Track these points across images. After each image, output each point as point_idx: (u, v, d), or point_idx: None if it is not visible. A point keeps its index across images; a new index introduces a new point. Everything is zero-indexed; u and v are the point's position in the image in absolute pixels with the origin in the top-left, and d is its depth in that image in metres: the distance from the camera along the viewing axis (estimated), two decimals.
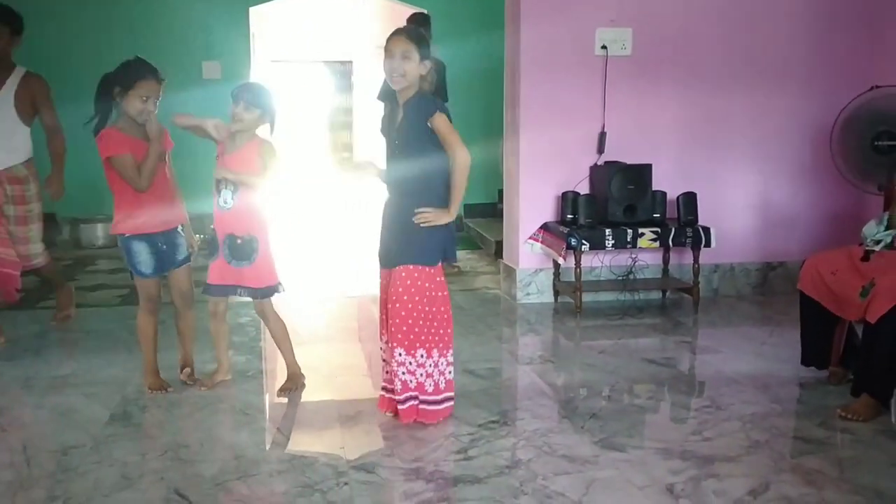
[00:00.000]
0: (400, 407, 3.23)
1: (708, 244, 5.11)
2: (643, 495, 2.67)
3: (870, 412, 3.29)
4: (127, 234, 3.56)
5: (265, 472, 2.87)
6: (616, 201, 5.06)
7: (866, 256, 3.51)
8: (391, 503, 2.69)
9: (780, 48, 5.46)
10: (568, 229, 5.02)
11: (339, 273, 6.55)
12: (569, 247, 4.97)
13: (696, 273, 5.19)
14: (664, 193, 5.17)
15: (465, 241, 7.91)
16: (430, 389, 3.23)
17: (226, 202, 3.50)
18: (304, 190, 10.87)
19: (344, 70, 12.43)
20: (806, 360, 3.80)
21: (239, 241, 3.51)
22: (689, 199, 5.14)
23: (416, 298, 3.18)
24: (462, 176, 3.19)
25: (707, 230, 5.10)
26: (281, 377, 3.77)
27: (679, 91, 5.40)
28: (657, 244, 5.09)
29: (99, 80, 3.48)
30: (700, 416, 3.40)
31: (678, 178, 5.33)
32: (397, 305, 3.17)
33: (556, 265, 5.31)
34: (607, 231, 5.00)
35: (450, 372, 3.29)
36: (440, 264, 3.29)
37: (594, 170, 5.29)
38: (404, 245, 3.21)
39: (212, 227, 3.58)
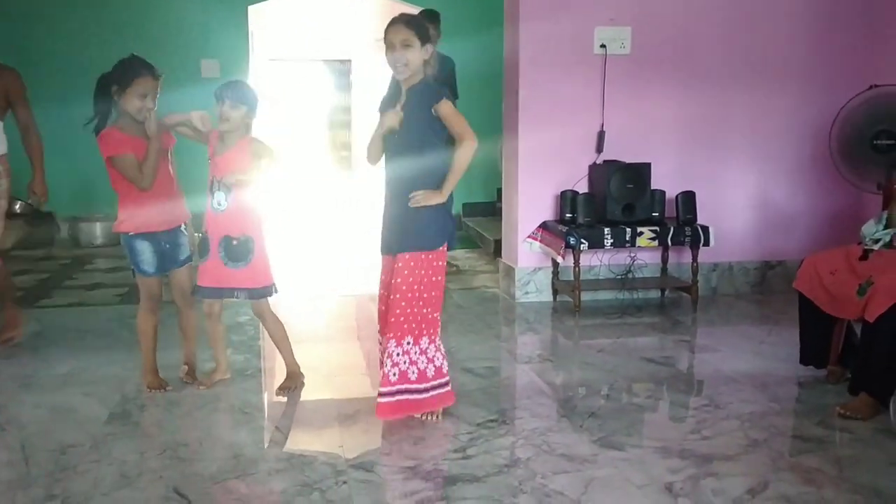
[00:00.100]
0: (381, 400, 3.17)
1: (707, 243, 5.12)
2: (642, 494, 2.67)
3: (869, 410, 3.29)
4: (130, 233, 3.55)
5: (264, 470, 2.87)
6: (615, 200, 5.06)
7: (865, 255, 3.51)
8: (390, 502, 2.69)
9: (779, 47, 5.47)
10: (567, 228, 5.02)
11: (338, 272, 6.55)
12: (567, 246, 4.97)
13: (694, 272, 5.19)
14: (663, 192, 5.17)
15: (464, 240, 7.91)
16: (414, 377, 3.18)
17: (219, 204, 3.49)
18: (302, 189, 10.88)
19: (343, 69, 12.43)
20: (804, 359, 3.80)
21: (235, 242, 3.50)
22: (688, 198, 5.14)
23: (415, 287, 3.17)
24: (465, 157, 3.16)
25: (706, 229, 5.10)
26: (280, 376, 3.77)
27: (678, 90, 5.40)
28: (656, 243, 5.09)
29: (96, 81, 3.48)
30: (699, 415, 3.40)
31: (677, 177, 5.34)
32: (397, 296, 3.16)
33: (555, 264, 5.31)
34: (606, 230, 5.00)
35: (438, 359, 3.24)
36: (442, 249, 3.25)
37: (593, 169, 5.29)
38: (404, 231, 3.20)
39: (203, 228, 3.57)
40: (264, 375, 3.96)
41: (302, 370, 3.74)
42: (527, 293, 5.41)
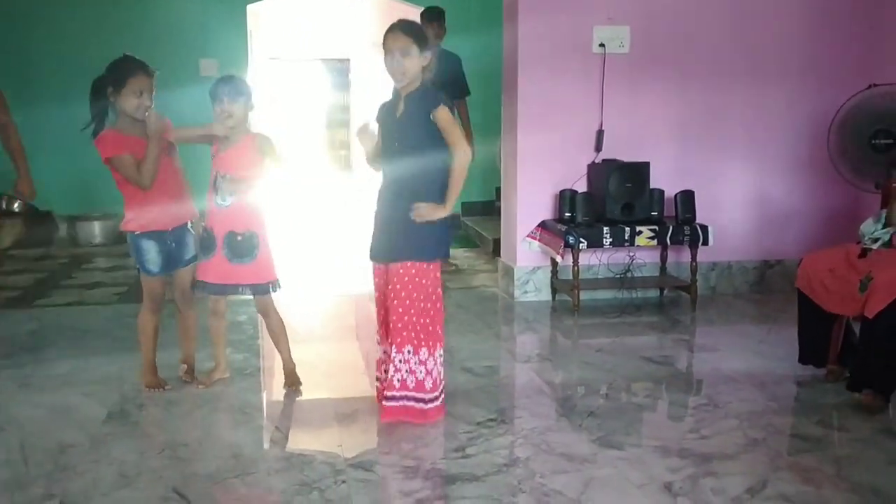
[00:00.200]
0: (387, 403, 3.20)
1: (706, 242, 5.11)
2: (641, 493, 2.67)
3: (880, 404, 3.32)
4: (137, 232, 3.55)
5: (263, 470, 2.87)
6: (614, 199, 5.06)
7: (864, 254, 3.51)
8: (389, 501, 2.69)
9: (778, 46, 5.47)
10: (566, 227, 5.02)
11: (337, 271, 6.55)
12: (566, 245, 4.97)
13: (693, 271, 5.19)
14: (662, 191, 5.17)
15: (463, 240, 7.91)
16: (412, 386, 3.20)
17: (224, 200, 3.49)
18: (300, 187, 10.88)
19: (341, 68, 12.44)
20: (803, 358, 3.80)
21: (239, 237, 3.50)
22: (687, 197, 5.14)
23: (415, 295, 3.17)
24: (461, 172, 3.18)
25: (705, 228, 5.10)
26: (279, 375, 3.77)
27: (677, 89, 5.40)
28: (655, 242, 5.09)
29: (91, 84, 3.46)
30: (698, 415, 3.40)
31: (676, 176, 5.33)
32: (395, 302, 3.17)
33: (554, 263, 5.31)
34: (605, 229, 5.00)
35: (435, 372, 3.25)
36: (438, 261, 3.28)
37: (592, 168, 5.29)
38: (403, 241, 3.19)
39: (204, 224, 3.56)
40: (263, 375, 3.96)
41: (301, 369, 3.74)
42: (526, 292, 5.41)
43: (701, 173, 5.43)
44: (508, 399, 3.72)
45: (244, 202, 3.51)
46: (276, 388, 3.73)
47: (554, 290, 5.39)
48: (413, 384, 3.20)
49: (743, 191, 5.56)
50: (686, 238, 5.10)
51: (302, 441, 3.23)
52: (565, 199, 5.16)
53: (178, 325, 3.82)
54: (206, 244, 3.56)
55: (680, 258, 5.45)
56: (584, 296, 5.17)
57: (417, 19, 7.15)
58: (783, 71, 5.48)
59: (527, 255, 5.40)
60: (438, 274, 3.27)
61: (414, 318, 3.18)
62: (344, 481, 2.75)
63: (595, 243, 5.01)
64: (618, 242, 5.04)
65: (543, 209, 5.37)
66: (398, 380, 3.18)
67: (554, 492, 2.67)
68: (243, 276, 3.55)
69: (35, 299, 5.55)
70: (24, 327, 4.78)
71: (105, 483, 2.74)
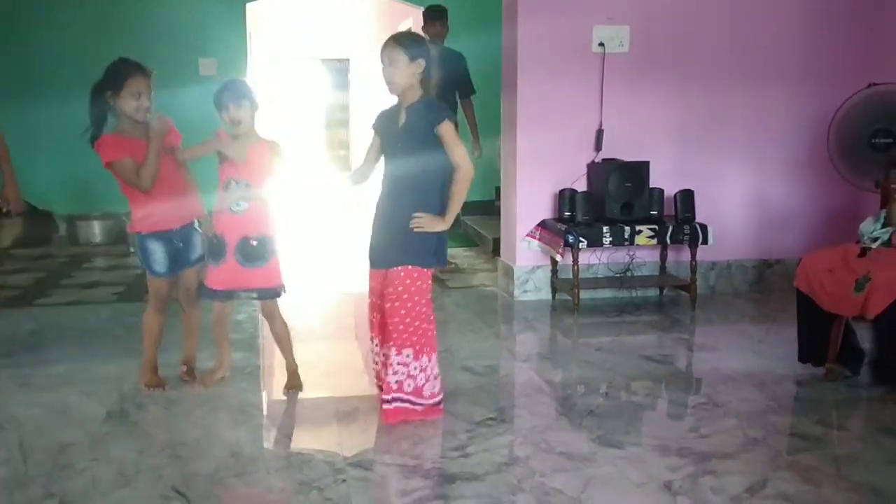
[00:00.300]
0: (386, 406, 3.21)
1: (705, 241, 5.11)
2: (641, 492, 2.67)
3: None
4: (144, 233, 3.54)
5: (263, 469, 2.87)
6: (613, 198, 5.06)
7: (863, 254, 3.51)
8: (388, 500, 2.69)
9: (777, 45, 5.46)
10: (565, 227, 5.02)
11: (336, 270, 6.55)
12: (566, 244, 4.97)
13: (693, 270, 5.19)
14: (661, 191, 5.16)
15: (463, 239, 7.91)
16: (410, 390, 3.22)
17: (238, 205, 3.47)
18: (300, 187, 10.87)
19: (341, 67, 12.44)
20: (803, 357, 3.80)
21: (254, 242, 3.48)
22: (687, 197, 5.14)
23: (416, 298, 3.19)
24: (463, 187, 3.21)
25: (704, 227, 5.10)
26: (279, 374, 3.77)
27: (676, 88, 5.40)
28: (654, 241, 5.09)
29: (90, 90, 3.45)
30: (697, 413, 3.40)
31: (676, 176, 5.33)
32: (397, 304, 3.17)
33: (554, 262, 5.31)
34: (605, 228, 5.00)
35: (434, 377, 3.28)
36: (432, 269, 3.31)
37: (592, 167, 5.28)
38: (403, 246, 3.20)
39: (214, 231, 3.53)
40: (263, 374, 3.96)
41: (301, 369, 3.74)
42: (525, 291, 5.41)
43: (700, 172, 5.43)
44: (508, 398, 3.72)
45: (258, 207, 3.50)
46: (275, 388, 3.73)
47: (554, 290, 5.39)
48: (411, 388, 3.21)
49: (742, 190, 5.56)
50: (686, 237, 5.10)
51: (301, 440, 3.23)
52: (565, 198, 5.16)
53: (181, 324, 3.82)
54: (216, 250, 3.51)
55: (679, 257, 5.45)
56: (584, 295, 5.17)
57: (418, 18, 7.16)
58: (783, 70, 5.48)
59: (526, 255, 5.40)
60: (430, 281, 3.28)
61: (416, 322, 3.19)
62: (344, 480, 2.75)
63: (595, 242, 5.01)
64: (617, 242, 5.04)
65: (543, 208, 5.37)
66: (396, 381, 3.19)
67: (554, 490, 2.67)
68: (253, 280, 3.54)
69: (34, 299, 5.54)
70: (24, 327, 4.78)
71: (104, 482, 2.74)
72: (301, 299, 5.49)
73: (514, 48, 5.28)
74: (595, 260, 5.36)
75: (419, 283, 3.20)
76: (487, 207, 8.31)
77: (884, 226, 3.60)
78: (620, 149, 5.27)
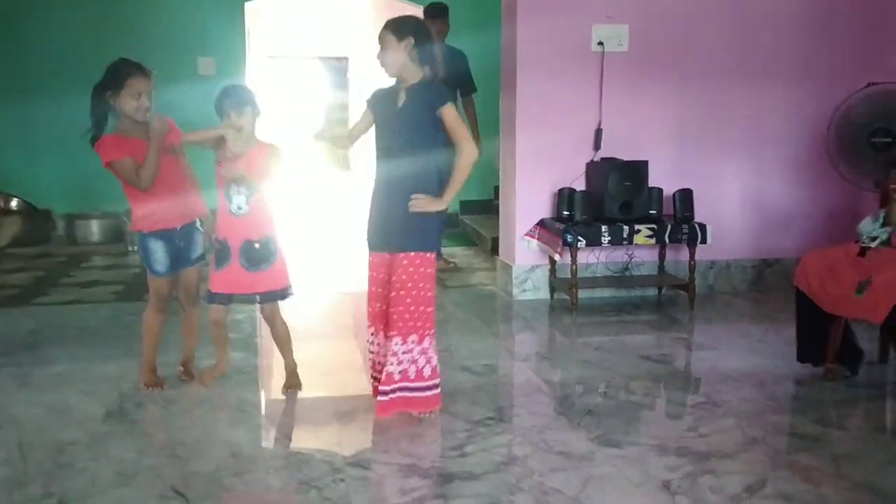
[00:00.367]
0: (382, 399, 3.19)
1: (704, 241, 5.11)
2: (640, 492, 2.67)
3: None
4: (145, 232, 3.54)
5: (262, 468, 2.87)
6: (612, 198, 5.06)
7: (862, 253, 3.52)
8: (387, 500, 2.69)
9: (777, 45, 5.46)
10: (564, 226, 5.02)
11: (335, 269, 6.54)
12: (565, 243, 4.97)
13: (692, 270, 5.19)
14: (660, 190, 5.16)
15: (461, 238, 7.91)
16: (413, 375, 3.21)
17: (240, 208, 3.44)
18: (299, 186, 10.87)
19: (340, 66, 12.43)
20: (801, 357, 3.80)
21: (257, 245, 3.47)
22: (686, 196, 5.14)
23: (420, 285, 3.19)
24: (465, 169, 3.21)
25: (703, 227, 5.10)
26: (277, 373, 3.76)
27: (675, 88, 5.40)
28: (653, 241, 5.09)
29: (91, 91, 3.44)
30: (696, 413, 3.40)
31: (674, 175, 5.33)
32: (402, 293, 3.17)
33: (553, 262, 5.31)
34: (603, 227, 4.99)
35: (434, 359, 3.26)
36: (435, 252, 3.30)
37: (590, 166, 5.29)
38: (404, 231, 3.20)
39: (216, 235, 3.51)
40: (262, 373, 3.96)
41: (299, 368, 3.73)
42: (524, 291, 5.41)
43: (699, 172, 5.43)
44: (507, 397, 3.72)
45: (259, 209, 3.48)
46: (274, 387, 3.73)
47: (552, 289, 5.39)
48: (414, 374, 3.21)
49: (741, 189, 5.56)
50: (684, 237, 5.10)
51: (300, 439, 3.23)
52: (564, 197, 5.16)
53: (181, 322, 3.82)
54: (221, 255, 3.49)
55: (678, 257, 5.45)
56: (583, 294, 5.17)
57: (419, 16, 7.15)
58: (782, 69, 5.48)
59: (525, 254, 5.40)
60: (435, 267, 3.28)
61: (421, 308, 3.19)
62: (342, 480, 2.75)
63: (593, 242, 5.01)
64: (616, 241, 5.04)
65: (542, 208, 5.37)
66: (400, 371, 3.19)
67: (552, 490, 2.67)
68: (258, 284, 3.52)
69: (33, 298, 5.54)
70: (23, 326, 4.78)
71: (104, 481, 2.74)
72: (300, 299, 5.48)
73: (514, 47, 5.28)
74: (594, 259, 5.36)
75: (422, 269, 3.20)
76: (486, 206, 8.32)
77: (883, 225, 3.60)
78: (619, 148, 5.27)
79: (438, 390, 3.29)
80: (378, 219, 3.30)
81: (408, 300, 3.17)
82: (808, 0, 5.47)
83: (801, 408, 3.51)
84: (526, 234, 5.38)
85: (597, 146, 5.32)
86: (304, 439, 3.23)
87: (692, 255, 5.18)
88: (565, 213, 5.13)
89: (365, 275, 3.39)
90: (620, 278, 5.35)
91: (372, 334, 3.37)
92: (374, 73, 3.38)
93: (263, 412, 3.51)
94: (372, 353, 3.40)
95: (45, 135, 8.00)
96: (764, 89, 5.47)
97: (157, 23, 8.29)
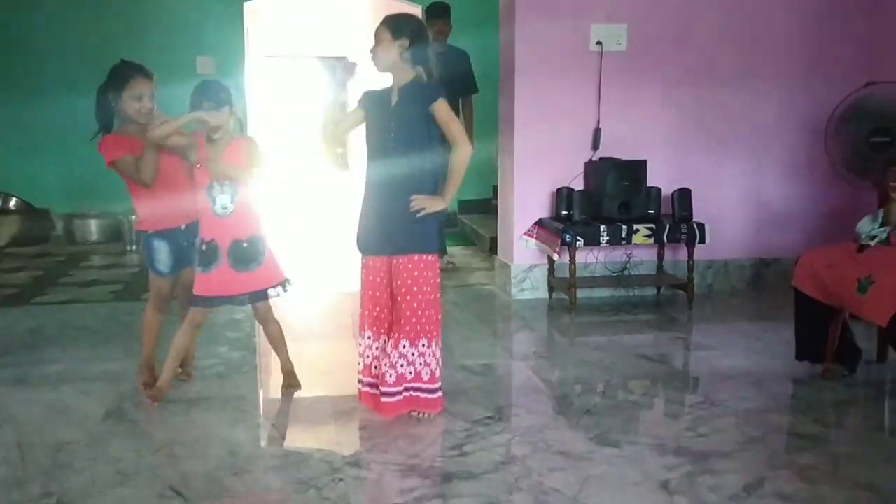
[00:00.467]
0: (388, 400, 3.20)
1: (702, 240, 5.12)
2: (638, 491, 2.68)
3: None
4: (150, 231, 3.53)
5: (260, 468, 2.87)
6: (611, 197, 5.06)
7: (861, 250, 3.52)
8: (386, 499, 2.69)
9: (775, 44, 5.47)
10: (562, 225, 5.02)
11: (333, 268, 6.54)
12: (563, 243, 4.97)
13: (690, 269, 5.19)
14: (659, 189, 5.17)
15: (460, 237, 7.91)
16: (427, 378, 3.23)
17: (225, 207, 3.39)
18: (297, 186, 10.88)
19: (345, 65, 12.42)
20: (800, 355, 3.80)
21: (245, 244, 3.42)
22: (684, 196, 5.14)
23: (426, 289, 3.19)
24: (462, 166, 3.19)
25: (701, 226, 5.10)
26: (276, 373, 3.76)
27: (674, 87, 5.40)
28: (652, 240, 5.09)
29: (96, 94, 3.44)
30: (694, 412, 3.40)
31: (673, 175, 5.34)
32: (408, 297, 3.17)
33: (551, 261, 5.31)
34: (602, 227, 5.00)
35: (439, 362, 3.28)
36: (437, 253, 3.30)
37: (589, 166, 5.29)
38: (405, 234, 3.19)
39: (203, 236, 3.43)
40: (260, 373, 3.96)
41: (298, 368, 3.73)
42: (523, 290, 5.41)
43: (698, 171, 5.43)
44: (505, 397, 3.73)
45: (245, 207, 3.45)
46: (273, 386, 3.73)
47: (551, 288, 5.39)
48: (428, 376, 3.23)
49: (740, 189, 5.56)
50: (683, 236, 5.11)
51: (299, 439, 3.23)
52: (562, 197, 5.16)
53: (180, 323, 3.81)
54: (208, 256, 3.42)
55: (677, 256, 5.45)
56: (581, 294, 5.17)
57: (418, 15, 7.14)
58: (781, 69, 5.48)
59: (524, 253, 5.40)
60: (438, 268, 3.28)
61: (429, 312, 3.20)
62: (341, 479, 2.75)
63: (592, 241, 5.01)
64: (615, 240, 5.04)
65: (540, 207, 5.37)
66: (411, 372, 3.20)
67: (551, 489, 2.67)
68: (249, 284, 3.48)
69: (32, 297, 5.54)
70: (22, 325, 4.78)
71: (103, 481, 2.74)
72: (299, 298, 5.48)
73: (512, 47, 5.28)
74: (592, 259, 5.36)
75: (427, 272, 3.20)
76: (485, 206, 8.32)
77: (882, 225, 3.60)
78: (618, 147, 5.27)
79: (441, 393, 3.30)
80: (374, 221, 3.27)
81: (414, 304, 3.17)
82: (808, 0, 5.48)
83: (799, 407, 3.51)
84: (524, 234, 5.38)
85: (595, 146, 5.32)
86: (303, 439, 3.23)
87: (691, 254, 5.18)
88: (564, 212, 5.13)
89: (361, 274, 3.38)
90: (619, 278, 5.35)
91: (369, 338, 3.34)
92: (373, 73, 3.36)
93: (262, 412, 3.51)
94: (367, 357, 3.35)
95: (44, 134, 8.00)
96: (763, 88, 5.47)
97: (157, 22, 8.29)
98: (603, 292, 5.39)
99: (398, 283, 3.19)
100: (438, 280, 3.27)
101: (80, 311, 5.17)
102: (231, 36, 8.59)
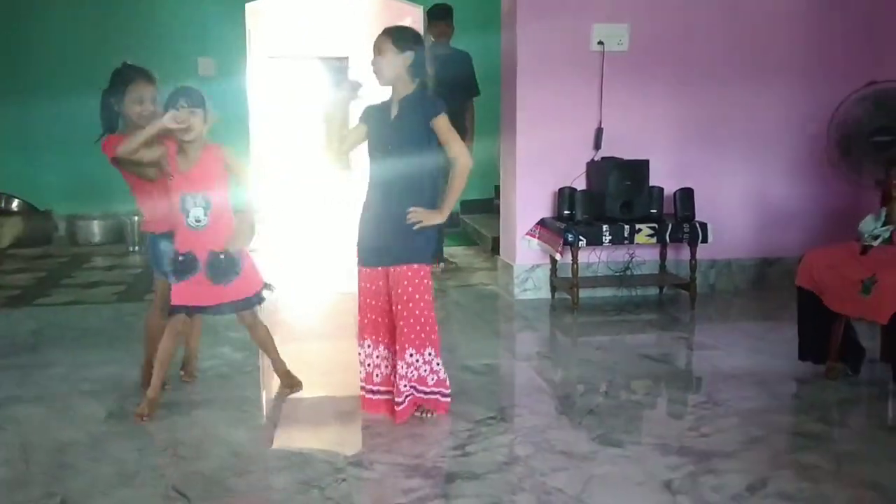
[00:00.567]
0: (402, 407, 3.20)
1: (705, 240, 5.11)
2: (641, 491, 2.67)
3: None
4: (157, 233, 3.51)
5: (263, 469, 2.87)
6: (613, 197, 5.05)
7: (864, 252, 3.51)
8: (389, 499, 2.69)
9: (777, 43, 5.46)
10: (565, 225, 5.02)
11: (334, 269, 6.54)
12: (566, 243, 4.97)
13: (693, 269, 5.19)
14: (661, 189, 5.16)
15: (462, 237, 7.91)
16: (433, 383, 3.24)
17: (198, 220, 3.31)
18: (298, 186, 10.88)
19: (340, 66, 12.41)
20: (803, 355, 3.79)
21: (222, 255, 3.34)
22: (686, 195, 5.13)
23: (427, 297, 3.20)
24: (461, 181, 3.20)
25: (704, 226, 5.10)
26: None
27: (676, 87, 5.39)
28: (654, 240, 5.09)
29: (100, 97, 3.43)
30: (697, 412, 3.40)
31: (675, 174, 5.33)
32: (410, 305, 3.17)
33: (553, 261, 5.31)
34: (604, 227, 4.99)
35: (443, 369, 3.31)
36: (431, 262, 3.32)
37: (591, 166, 5.28)
38: (402, 244, 3.19)
39: (177, 249, 3.35)
40: (262, 373, 3.96)
41: (299, 368, 3.72)
42: (525, 290, 5.41)
43: (700, 171, 5.43)
44: (508, 397, 3.72)
45: (218, 219, 3.36)
46: (275, 387, 3.72)
47: (553, 288, 5.39)
48: (434, 381, 3.24)
49: (742, 188, 5.56)
50: (685, 236, 5.10)
51: (302, 439, 3.23)
52: (564, 196, 5.15)
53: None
54: (185, 267, 3.34)
55: (679, 256, 5.44)
56: (584, 294, 5.17)
57: (418, 17, 7.13)
58: (783, 68, 5.47)
59: (526, 253, 5.40)
60: (431, 276, 3.29)
61: (429, 319, 3.21)
62: (344, 479, 2.75)
63: (594, 241, 5.01)
64: (617, 240, 5.03)
65: (542, 207, 5.37)
66: (419, 376, 3.21)
67: (554, 489, 2.67)
68: (230, 293, 3.42)
69: (35, 298, 5.54)
70: (24, 326, 4.78)
71: (105, 482, 2.74)
72: (300, 298, 5.49)
73: (514, 46, 5.28)
74: (594, 258, 5.36)
75: (426, 281, 3.21)
76: (487, 206, 8.31)
77: (884, 224, 3.60)
78: (620, 147, 5.27)
79: (449, 398, 3.31)
80: (373, 232, 3.26)
81: (416, 312, 3.18)
82: None
83: (802, 406, 3.51)
84: (527, 234, 5.37)
85: (597, 145, 5.32)
86: (306, 439, 3.23)
87: (693, 254, 5.17)
88: (566, 212, 5.13)
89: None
90: (621, 278, 5.35)
91: (369, 346, 3.32)
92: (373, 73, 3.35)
93: (264, 412, 3.52)
94: (368, 365, 3.33)
95: (46, 135, 8.01)
96: (765, 88, 5.47)
97: (158, 23, 8.30)
98: (605, 292, 5.39)
99: (398, 290, 3.19)
100: (431, 290, 3.27)
101: (83, 312, 5.17)
102: (233, 37, 8.60)
